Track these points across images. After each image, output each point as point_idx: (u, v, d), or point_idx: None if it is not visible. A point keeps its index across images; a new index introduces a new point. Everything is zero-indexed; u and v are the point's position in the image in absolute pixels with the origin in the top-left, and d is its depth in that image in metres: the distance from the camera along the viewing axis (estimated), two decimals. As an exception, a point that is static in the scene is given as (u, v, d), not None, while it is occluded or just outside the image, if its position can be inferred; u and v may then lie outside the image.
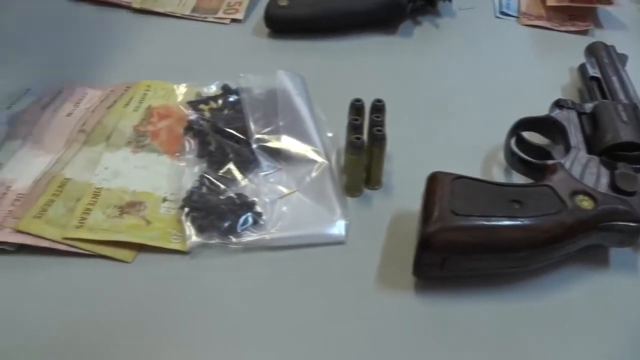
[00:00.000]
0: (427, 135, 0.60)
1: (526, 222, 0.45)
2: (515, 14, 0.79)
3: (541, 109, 0.58)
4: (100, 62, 0.70)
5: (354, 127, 0.51)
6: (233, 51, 0.72)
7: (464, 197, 0.46)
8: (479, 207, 0.45)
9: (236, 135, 0.56)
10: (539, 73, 0.70)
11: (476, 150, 0.58)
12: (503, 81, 0.68)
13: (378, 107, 0.53)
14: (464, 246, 0.45)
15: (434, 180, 0.48)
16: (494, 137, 0.58)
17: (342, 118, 0.55)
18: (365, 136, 0.52)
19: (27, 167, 0.56)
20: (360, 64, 0.70)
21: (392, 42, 0.74)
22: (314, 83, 0.64)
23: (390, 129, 0.52)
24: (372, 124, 0.51)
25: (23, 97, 0.64)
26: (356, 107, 0.53)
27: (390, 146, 0.52)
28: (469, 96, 0.66)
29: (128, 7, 0.79)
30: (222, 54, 0.71)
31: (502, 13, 0.79)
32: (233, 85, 0.62)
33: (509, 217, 0.45)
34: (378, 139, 0.51)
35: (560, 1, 0.77)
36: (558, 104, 0.57)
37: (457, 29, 0.77)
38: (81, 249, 0.50)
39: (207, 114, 0.59)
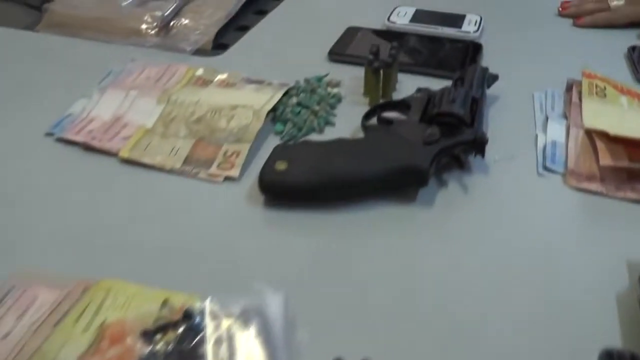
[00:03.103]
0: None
1: None
2: (561, 171, 0.63)
3: (593, 332, 0.46)
4: (72, 234, 0.58)
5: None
6: (220, 222, 0.59)
7: None
8: None
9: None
10: (587, 264, 0.55)
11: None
12: (542, 276, 0.53)
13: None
14: None
15: None
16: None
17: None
18: None
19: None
20: (368, 246, 0.57)
21: (408, 214, 0.60)
22: (310, 272, 0.53)
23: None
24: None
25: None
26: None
27: None
28: (497, 307, 0.51)
29: (116, 155, 0.68)
30: (207, 227, 0.59)
31: (546, 168, 0.63)
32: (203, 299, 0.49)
33: None
34: None
35: (616, 161, 0.61)
36: (609, 356, 0.42)
37: (490, 192, 0.62)
38: None
39: (162, 347, 0.46)
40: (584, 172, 0.62)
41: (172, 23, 0.95)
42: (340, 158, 0.60)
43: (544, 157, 0.65)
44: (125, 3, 0.98)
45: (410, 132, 0.63)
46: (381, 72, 0.74)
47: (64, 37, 0.93)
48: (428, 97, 0.69)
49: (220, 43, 0.93)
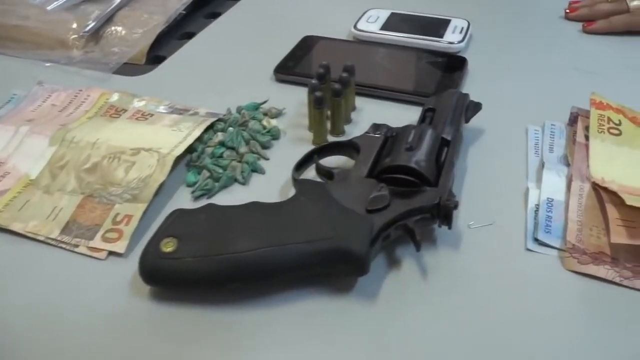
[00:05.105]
0: None
1: None
2: (558, 245, 0.45)
3: None
4: None
5: None
6: (92, 322, 0.43)
7: None
8: None
9: None
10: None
11: None
12: None
13: None
14: None
15: None
16: None
17: None
18: None
19: None
20: (286, 358, 0.39)
21: (342, 310, 0.43)
22: None
23: None
24: None
25: None
26: None
27: None
28: None
29: (-19, 218, 0.51)
30: (74, 330, 0.42)
31: (538, 242, 0.45)
32: None
33: None
34: None
35: (634, 238, 0.42)
36: None
37: (459, 277, 0.45)
38: None
39: None
40: (590, 249, 0.44)
41: (100, 32, 0.77)
42: (248, 234, 0.43)
43: (536, 225, 0.47)
44: (52, 7, 0.81)
45: (352, 193, 0.45)
46: (328, 101, 0.56)
47: (-25, 51, 0.77)
48: (385, 138, 0.51)
49: (156, 55, 0.75)
